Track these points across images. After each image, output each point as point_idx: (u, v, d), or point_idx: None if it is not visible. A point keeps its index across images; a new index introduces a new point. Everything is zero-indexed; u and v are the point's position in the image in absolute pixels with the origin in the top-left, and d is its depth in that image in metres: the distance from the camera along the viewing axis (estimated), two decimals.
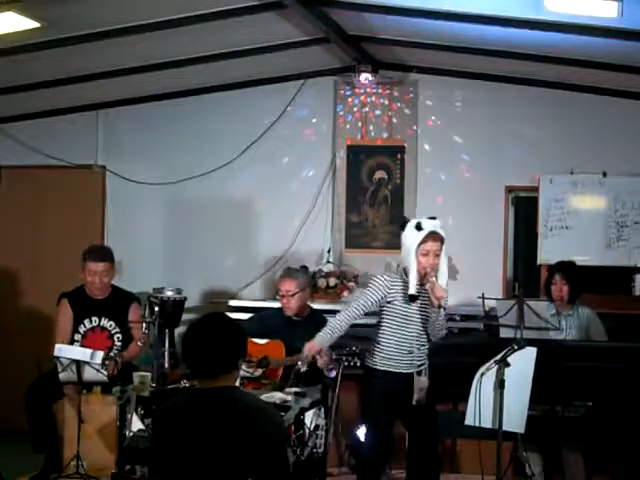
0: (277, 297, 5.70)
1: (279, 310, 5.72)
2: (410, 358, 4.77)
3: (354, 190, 7.12)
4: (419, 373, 4.77)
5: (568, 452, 5.28)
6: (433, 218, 4.75)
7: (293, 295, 5.55)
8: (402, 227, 4.79)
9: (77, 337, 5.82)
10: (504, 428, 4.39)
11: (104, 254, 5.94)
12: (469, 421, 4.46)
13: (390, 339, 4.79)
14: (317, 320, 5.65)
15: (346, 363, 5.11)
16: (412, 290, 4.68)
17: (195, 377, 3.33)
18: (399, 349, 4.77)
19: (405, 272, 4.77)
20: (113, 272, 5.95)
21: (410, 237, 4.70)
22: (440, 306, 4.64)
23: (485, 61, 6.28)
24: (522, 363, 4.42)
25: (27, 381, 5.72)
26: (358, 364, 5.17)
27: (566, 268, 5.82)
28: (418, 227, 4.67)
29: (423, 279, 4.69)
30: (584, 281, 5.84)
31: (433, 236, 4.67)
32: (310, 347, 4.83)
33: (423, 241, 4.66)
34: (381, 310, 4.83)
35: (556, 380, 4.99)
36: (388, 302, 4.79)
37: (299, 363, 5.05)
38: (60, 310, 5.90)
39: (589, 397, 5.21)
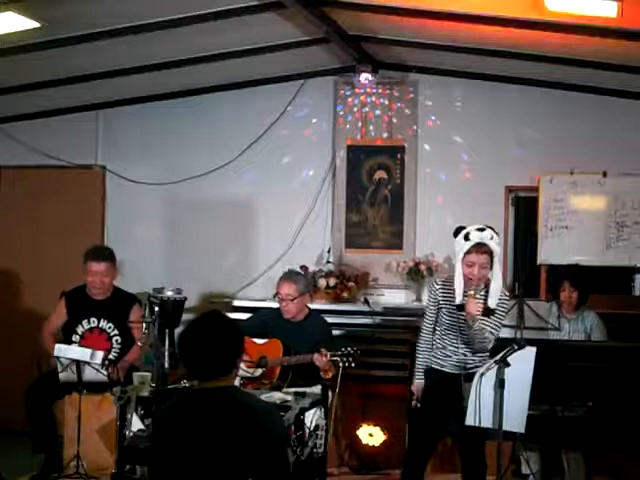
0: (276, 299, 5.66)
1: (278, 310, 5.71)
2: (455, 361, 4.74)
3: (354, 190, 7.12)
4: (468, 378, 4.63)
5: (568, 452, 5.28)
6: (482, 230, 4.64)
7: (293, 300, 5.52)
8: (455, 235, 4.72)
9: (75, 338, 5.82)
10: (504, 428, 4.39)
11: (104, 254, 5.94)
12: (469, 421, 4.46)
13: (439, 341, 4.80)
14: (315, 321, 5.65)
15: (341, 364, 5.10)
16: (459, 299, 4.63)
17: (194, 378, 3.32)
18: (444, 352, 4.78)
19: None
20: (114, 272, 5.95)
21: (458, 246, 4.66)
22: (473, 321, 4.56)
23: (485, 61, 6.28)
24: (522, 363, 4.41)
25: (27, 381, 5.73)
26: (353, 365, 5.15)
27: (574, 275, 5.83)
28: (466, 237, 4.61)
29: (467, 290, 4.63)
30: (591, 285, 5.85)
31: (478, 248, 4.59)
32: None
33: (468, 252, 4.60)
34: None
35: (556, 380, 4.99)
36: (439, 308, 4.80)
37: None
38: (56, 308, 5.94)
39: (589, 397, 5.21)
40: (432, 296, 4.83)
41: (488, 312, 4.60)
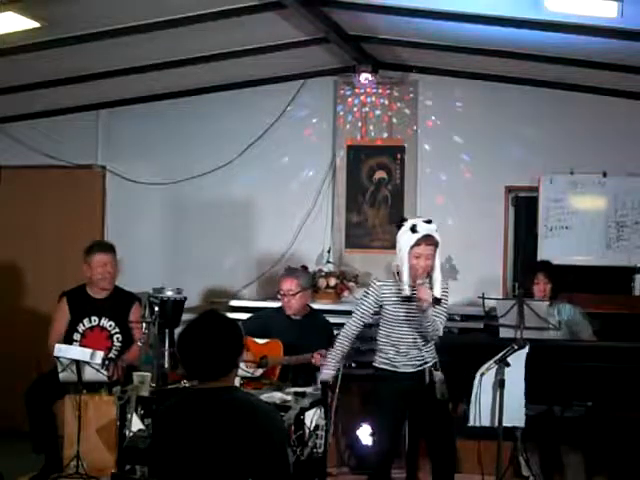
0: (278, 296, 5.70)
1: (279, 310, 5.73)
2: (410, 357, 4.77)
3: (354, 190, 7.12)
4: (433, 368, 4.75)
5: (568, 452, 5.28)
6: (429, 222, 4.73)
7: (294, 294, 5.57)
8: (398, 227, 4.80)
9: (76, 336, 5.81)
10: (505, 424, 4.41)
11: (108, 246, 6.00)
12: (471, 422, 4.47)
13: (386, 340, 4.82)
14: (317, 320, 5.67)
15: (340, 365, 5.11)
16: (406, 291, 4.70)
17: (194, 379, 3.32)
18: (396, 350, 4.79)
19: (398, 273, 4.78)
20: (117, 266, 5.95)
21: (404, 238, 4.72)
22: (424, 309, 4.63)
23: (485, 61, 6.28)
24: (515, 359, 4.47)
25: (27, 381, 5.72)
26: (354, 365, 5.17)
27: (548, 267, 5.86)
28: (413, 229, 4.68)
29: (414, 281, 4.70)
30: (563, 279, 5.87)
31: (426, 240, 4.67)
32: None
33: (416, 244, 4.67)
34: (378, 313, 4.86)
35: (556, 380, 4.99)
36: (381, 306, 4.82)
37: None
38: (57, 309, 5.91)
39: (589, 397, 5.21)
40: (371, 296, 4.81)
41: (435, 301, 4.67)
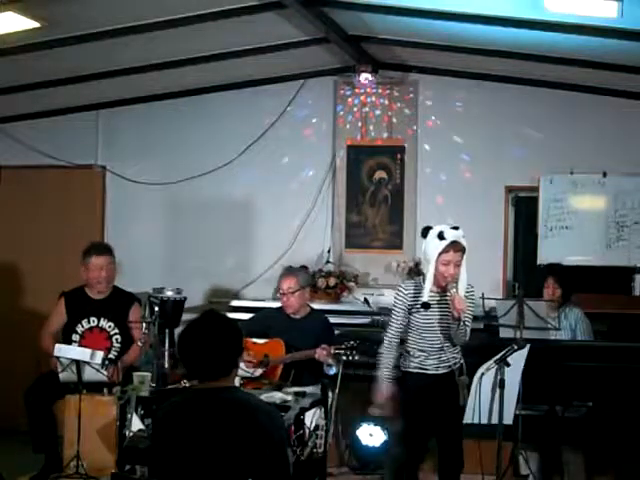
0: (278, 295, 5.72)
1: (279, 309, 5.74)
2: (440, 360, 4.73)
3: (354, 190, 7.12)
4: (459, 373, 4.71)
5: (568, 452, 5.28)
6: (456, 228, 4.66)
7: (293, 292, 5.58)
8: (424, 234, 4.71)
9: (75, 337, 5.81)
10: (494, 421, 4.44)
11: (105, 248, 5.98)
12: (468, 419, 4.48)
13: (416, 346, 4.74)
14: (317, 319, 5.68)
15: (344, 357, 5.12)
16: (425, 298, 4.63)
17: (194, 379, 3.31)
18: (428, 354, 4.72)
19: (423, 279, 4.71)
20: (114, 269, 5.95)
21: (431, 245, 4.63)
22: (459, 319, 4.55)
23: (485, 61, 6.28)
24: (513, 360, 4.49)
25: (27, 381, 5.72)
26: (357, 358, 5.16)
27: (558, 271, 5.85)
28: (440, 236, 4.59)
29: (445, 289, 4.63)
30: (575, 282, 5.86)
31: (455, 246, 4.60)
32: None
33: (445, 250, 4.59)
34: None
35: (556, 380, 5.00)
36: (410, 313, 4.73)
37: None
38: (54, 309, 5.93)
39: (589, 397, 5.22)
40: (402, 300, 4.74)
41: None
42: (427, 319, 4.71)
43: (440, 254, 4.59)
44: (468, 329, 4.69)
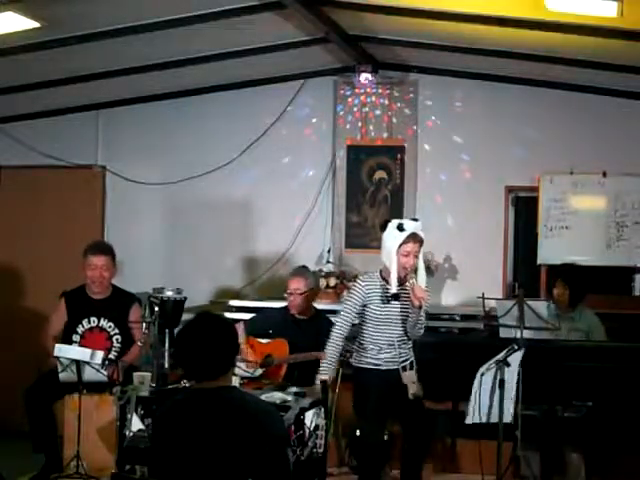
0: (285, 294, 5.70)
1: (282, 309, 5.74)
2: (392, 355, 4.84)
3: (354, 190, 7.12)
4: (404, 368, 4.85)
5: (568, 452, 5.28)
6: (415, 220, 4.84)
7: (301, 294, 5.60)
8: (382, 228, 4.87)
9: (75, 337, 5.80)
10: (493, 420, 4.46)
11: (104, 248, 5.97)
12: (469, 420, 4.48)
13: (370, 339, 4.87)
14: (321, 321, 5.67)
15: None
16: (394, 289, 4.75)
17: (192, 379, 3.32)
18: (380, 348, 4.85)
19: (382, 273, 4.85)
20: (114, 268, 5.94)
21: (391, 237, 4.78)
22: (420, 306, 4.70)
23: (485, 61, 6.28)
24: (512, 361, 4.53)
25: (27, 381, 5.72)
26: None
27: (567, 272, 5.83)
28: (400, 228, 4.75)
29: (403, 280, 4.76)
30: (586, 283, 5.84)
31: (414, 237, 4.75)
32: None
33: (404, 242, 4.74)
34: (360, 312, 4.91)
35: (556, 380, 5.00)
36: (365, 305, 4.87)
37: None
38: (55, 310, 5.92)
39: (589, 397, 5.22)
40: (357, 294, 4.89)
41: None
42: (387, 311, 4.82)
43: (400, 245, 4.73)
44: (424, 322, 4.85)
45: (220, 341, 3.15)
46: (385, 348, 4.85)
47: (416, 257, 4.77)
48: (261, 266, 7.22)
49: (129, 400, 4.89)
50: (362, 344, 4.92)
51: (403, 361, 4.87)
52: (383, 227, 4.86)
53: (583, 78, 6.34)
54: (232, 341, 3.21)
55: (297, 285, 5.62)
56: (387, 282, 4.81)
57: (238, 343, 3.26)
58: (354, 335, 5.05)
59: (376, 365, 4.87)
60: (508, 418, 4.62)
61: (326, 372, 4.93)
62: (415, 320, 4.77)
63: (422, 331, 4.89)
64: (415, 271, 4.77)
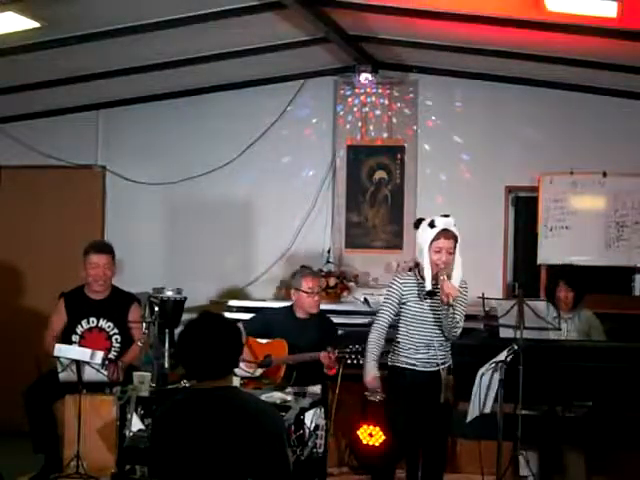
0: (301, 294, 5.59)
1: (284, 309, 5.72)
2: (429, 356, 4.75)
3: (354, 190, 7.12)
4: (443, 372, 4.75)
5: (568, 452, 5.27)
6: (446, 216, 4.73)
7: (319, 292, 5.65)
8: (416, 226, 4.80)
9: (75, 338, 5.79)
10: (486, 410, 4.49)
11: (105, 247, 5.97)
12: (471, 418, 4.49)
13: (407, 338, 4.78)
14: (322, 321, 5.67)
15: (349, 361, 5.12)
16: (428, 286, 4.67)
17: (194, 379, 3.32)
18: (417, 348, 4.76)
19: (419, 270, 4.78)
20: (114, 268, 5.94)
21: (423, 234, 4.71)
22: (449, 304, 4.60)
23: (485, 61, 6.28)
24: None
25: (27, 381, 5.72)
26: (361, 362, 5.17)
27: (570, 274, 5.81)
28: (431, 224, 4.68)
29: (436, 276, 4.68)
30: (587, 284, 5.84)
31: (445, 233, 4.67)
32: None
33: (436, 238, 4.66)
34: (398, 311, 4.83)
35: (556, 380, 4.99)
36: (402, 303, 4.79)
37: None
38: (54, 310, 5.92)
39: (589, 397, 5.22)
40: (394, 292, 4.80)
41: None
42: (419, 310, 4.75)
43: (432, 242, 4.67)
44: (459, 324, 4.73)
45: (225, 341, 3.15)
46: (422, 348, 4.75)
47: (450, 254, 4.67)
48: (261, 266, 7.22)
49: (129, 400, 4.90)
50: (399, 342, 4.81)
51: (442, 364, 4.76)
52: (416, 225, 4.80)
53: (583, 78, 6.34)
54: (237, 341, 3.21)
55: (315, 284, 5.62)
56: (424, 279, 4.73)
57: (242, 343, 3.26)
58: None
59: (412, 365, 4.76)
60: (487, 409, 4.61)
61: (371, 375, 4.77)
62: (446, 317, 4.66)
63: (458, 332, 4.75)
64: (451, 269, 4.66)
